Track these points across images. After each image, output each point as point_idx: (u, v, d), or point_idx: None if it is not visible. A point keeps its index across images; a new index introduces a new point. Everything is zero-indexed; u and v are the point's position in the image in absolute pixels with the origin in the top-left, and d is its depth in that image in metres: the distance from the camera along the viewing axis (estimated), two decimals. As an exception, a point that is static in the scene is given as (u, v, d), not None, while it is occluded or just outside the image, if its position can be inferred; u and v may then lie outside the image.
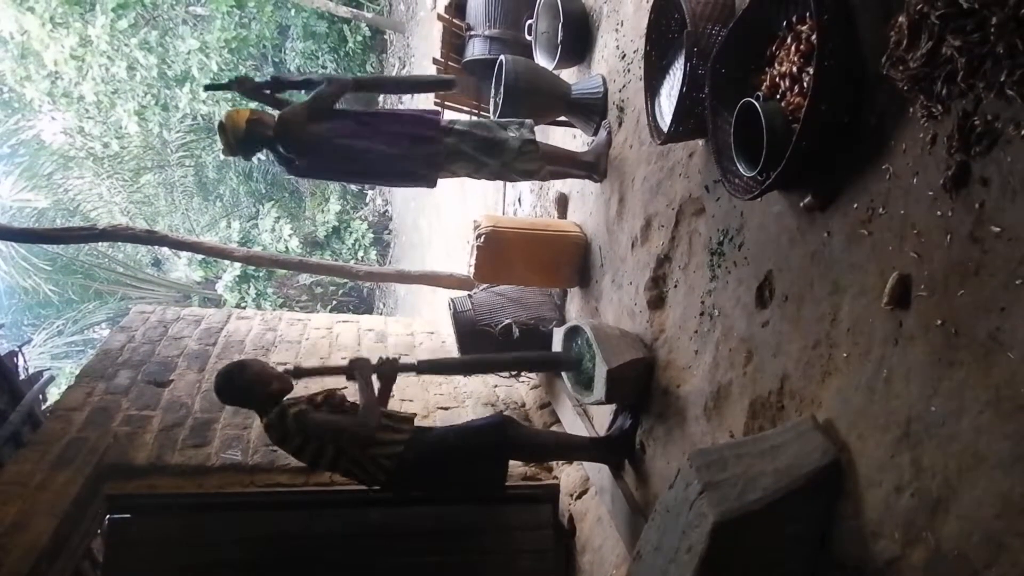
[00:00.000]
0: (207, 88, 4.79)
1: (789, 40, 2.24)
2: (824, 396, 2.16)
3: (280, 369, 3.53)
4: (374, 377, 3.54)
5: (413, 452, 3.38)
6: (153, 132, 13.38)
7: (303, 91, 3.88)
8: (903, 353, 1.85)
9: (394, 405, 4.74)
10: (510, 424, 3.60)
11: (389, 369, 3.60)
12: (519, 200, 5.85)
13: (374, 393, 3.44)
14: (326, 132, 3.64)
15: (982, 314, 1.63)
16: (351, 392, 3.47)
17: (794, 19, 2.23)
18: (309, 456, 3.36)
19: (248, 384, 3.36)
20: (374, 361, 3.61)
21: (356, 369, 3.50)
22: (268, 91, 3.84)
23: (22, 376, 5.28)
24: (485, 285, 4.83)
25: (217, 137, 3.86)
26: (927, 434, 1.76)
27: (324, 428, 3.30)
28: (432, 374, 3.89)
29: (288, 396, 3.40)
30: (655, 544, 2.26)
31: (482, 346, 4.45)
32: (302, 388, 3.67)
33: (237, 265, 12.41)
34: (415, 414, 3.68)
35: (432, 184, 3.89)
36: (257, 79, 3.89)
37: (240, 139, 3.66)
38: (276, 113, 3.72)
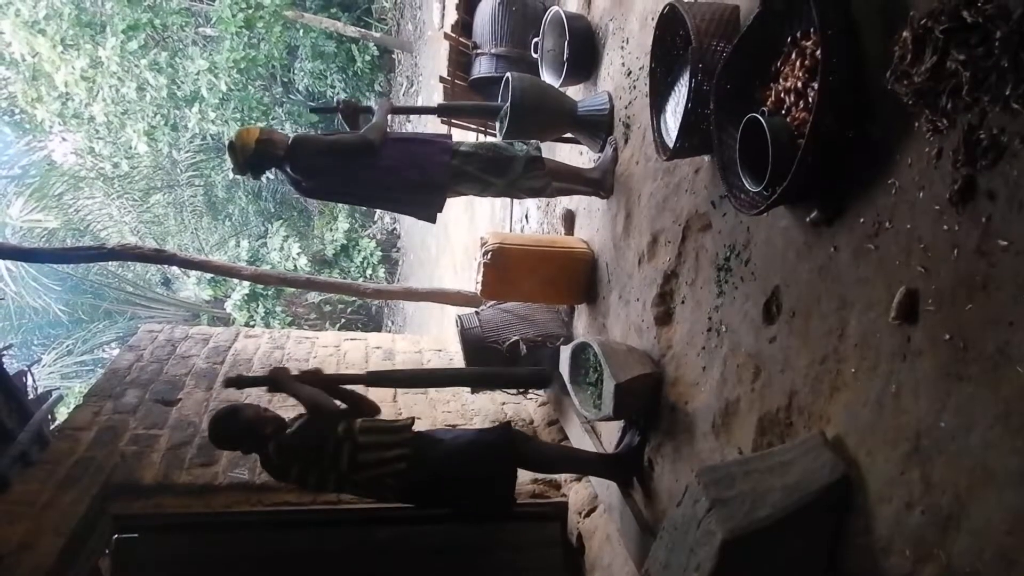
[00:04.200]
0: (312, 110, 5.07)
1: (793, 55, 2.25)
2: (833, 412, 2.15)
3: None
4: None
5: (417, 470, 3.35)
6: (163, 152, 13.47)
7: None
8: (911, 368, 1.84)
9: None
10: (517, 438, 3.59)
11: (311, 379, 3.54)
12: (526, 217, 5.86)
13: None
14: (335, 161, 3.68)
15: (990, 328, 1.62)
16: None
17: (798, 34, 2.23)
18: (314, 482, 3.35)
19: (241, 431, 3.34)
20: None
21: (280, 382, 3.47)
22: (360, 115, 3.94)
23: (31, 396, 5.29)
24: (492, 302, 4.83)
25: (226, 156, 3.92)
26: (936, 449, 1.75)
27: (301, 434, 3.30)
28: (380, 386, 3.86)
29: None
30: (663, 562, 2.25)
31: (489, 363, 4.45)
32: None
33: (246, 284, 12.47)
34: (412, 419, 3.63)
35: (432, 218, 3.90)
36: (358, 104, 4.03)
37: (249, 158, 3.69)
38: (289, 135, 3.78)
